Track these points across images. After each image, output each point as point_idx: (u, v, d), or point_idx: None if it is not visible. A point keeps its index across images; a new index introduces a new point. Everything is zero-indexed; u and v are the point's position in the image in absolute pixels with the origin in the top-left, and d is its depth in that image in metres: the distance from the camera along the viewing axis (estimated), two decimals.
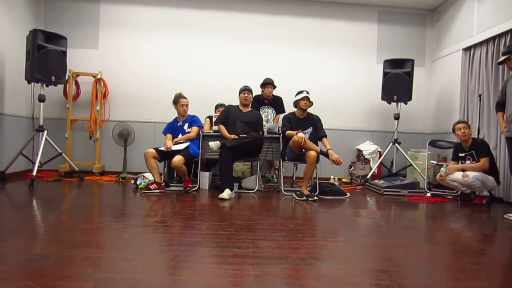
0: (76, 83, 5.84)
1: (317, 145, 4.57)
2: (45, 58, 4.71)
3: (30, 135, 5.16)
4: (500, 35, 4.78)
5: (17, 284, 1.69)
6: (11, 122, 5.23)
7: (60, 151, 5.10)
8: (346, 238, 2.83)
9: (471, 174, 4.28)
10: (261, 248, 2.37)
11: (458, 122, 4.59)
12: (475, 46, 5.33)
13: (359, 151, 6.25)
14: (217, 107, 5.53)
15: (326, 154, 4.45)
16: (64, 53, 4.97)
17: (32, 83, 4.94)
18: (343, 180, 6.11)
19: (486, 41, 5.05)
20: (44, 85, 4.89)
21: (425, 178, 5.32)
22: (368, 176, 5.75)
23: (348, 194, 4.67)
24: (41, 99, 4.86)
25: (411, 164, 5.72)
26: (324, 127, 4.81)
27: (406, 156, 5.77)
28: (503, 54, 3.85)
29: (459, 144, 4.68)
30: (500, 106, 4.05)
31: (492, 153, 4.55)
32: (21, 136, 5.32)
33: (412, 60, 5.69)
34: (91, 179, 5.37)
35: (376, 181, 5.44)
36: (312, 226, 3.19)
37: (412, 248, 2.59)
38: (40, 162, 4.76)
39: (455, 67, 5.75)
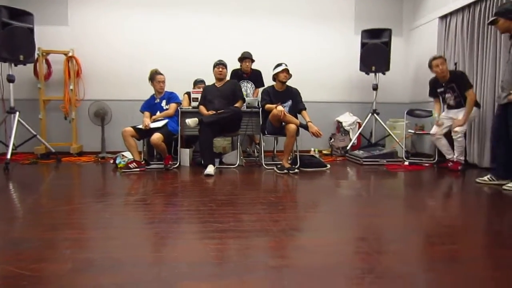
0: (47, 62, 5.62)
1: (296, 118, 4.58)
2: (11, 36, 4.51)
3: (1, 117, 4.98)
4: (475, 3, 4.80)
5: None
6: None
7: (35, 133, 4.96)
8: (326, 208, 2.88)
9: (460, 129, 4.38)
10: (242, 222, 2.39)
11: (434, 58, 4.53)
12: (451, 14, 5.35)
13: (339, 122, 6.31)
14: (195, 83, 5.45)
15: (305, 127, 4.46)
16: (31, 30, 4.76)
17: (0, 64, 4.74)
18: (324, 152, 6.18)
19: (462, 9, 5.08)
20: (12, 64, 4.70)
21: (403, 147, 5.42)
22: (348, 147, 5.83)
23: (328, 166, 4.74)
24: (10, 79, 4.68)
25: (389, 134, 5.82)
26: (303, 100, 4.80)
27: (385, 126, 5.86)
28: (495, 14, 3.60)
29: (435, 79, 4.66)
30: None
31: None
32: None
33: (390, 30, 5.68)
34: (69, 160, 5.27)
35: (356, 151, 5.53)
36: (293, 198, 3.23)
37: (390, 216, 2.66)
38: (14, 144, 4.62)
39: (432, 36, 5.78)
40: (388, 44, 5.67)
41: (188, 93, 5.17)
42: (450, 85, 4.49)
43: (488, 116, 4.57)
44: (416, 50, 6.35)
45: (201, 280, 1.55)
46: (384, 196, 3.30)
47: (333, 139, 6.25)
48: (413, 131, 5.68)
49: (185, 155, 4.84)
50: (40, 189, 3.49)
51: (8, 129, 4.86)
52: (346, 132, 6.18)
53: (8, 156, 4.40)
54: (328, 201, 3.12)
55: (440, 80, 4.56)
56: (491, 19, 3.60)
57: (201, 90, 4.92)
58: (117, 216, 2.56)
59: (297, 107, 4.71)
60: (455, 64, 5.14)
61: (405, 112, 5.54)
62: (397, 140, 5.63)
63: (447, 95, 4.57)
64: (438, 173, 4.49)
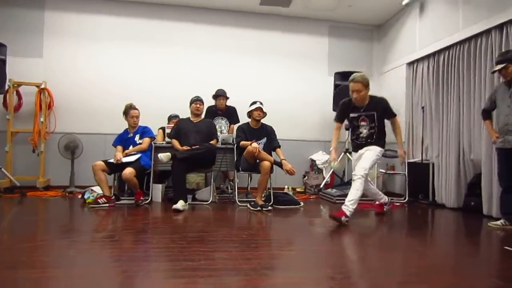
0: (18, 93, 5.50)
1: (271, 155, 4.62)
2: None
3: None
4: (439, 51, 5.13)
5: None
6: None
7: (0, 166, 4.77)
8: (299, 247, 2.85)
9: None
10: (213, 260, 2.33)
11: (352, 80, 3.79)
12: (417, 60, 5.67)
13: (313, 161, 6.39)
14: (170, 118, 5.44)
15: (280, 164, 4.50)
16: (3, 61, 4.71)
17: None
18: (297, 189, 6.20)
19: (427, 57, 5.40)
20: None
21: (374, 186, 5.51)
22: (321, 185, 5.88)
23: (302, 204, 4.74)
24: None
25: None
26: (278, 137, 4.87)
27: None
28: (498, 63, 3.51)
29: (350, 102, 3.90)
30: (487, 114, 3.80)
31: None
32: None
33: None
34: (35, 194, 5.04)
35: (329, 190, 5.58)
36: (266, 236, 3.20)
37: (363, 254, 2.66)
38: None
39: (401, 80, 6.08)
40: None
41: (163, 128, 5.15)
42: (370, 113, 3.84)
43: (453, 155, 4.73)
44: (387, 93, 6.60)
45: None
46: (356, 235, 3.31)
47: (306, 177, 6.30)
48: (384, 171, 5.81)
49: (157, 190, 4.74)
50: (0, 225, 3.30)
51: None
52: (320, 170, 6.25)
53: None
54: (301, 239, 3.09)
55: (357, 104, 3.85)
56: (499, 66, 3.49)
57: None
58: (83, 253, 2.44)
59: (272, 144, 4.76)
60: (423, 107, 5.39)
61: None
62: (369, 180, 5.71)
63: (361, 123, 3.89)
64: (410, 211, 4.57)
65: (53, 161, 5.60)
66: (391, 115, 4.00)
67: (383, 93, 6.68)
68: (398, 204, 5.06)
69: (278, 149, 4.74)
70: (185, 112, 5.05)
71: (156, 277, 2.03)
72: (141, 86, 5.97)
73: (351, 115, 3.95)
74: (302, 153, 6.46)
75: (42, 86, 5.47)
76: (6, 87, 5.04)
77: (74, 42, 5.87)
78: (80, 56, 5.88)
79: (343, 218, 3.48)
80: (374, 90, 6.72)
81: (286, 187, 5.97)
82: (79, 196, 4.79)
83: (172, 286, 1.87)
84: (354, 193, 3.60)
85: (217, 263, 2.27)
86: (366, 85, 3.77)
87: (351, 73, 5.96)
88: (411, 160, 5.54)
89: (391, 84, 6.48)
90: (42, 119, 5.41)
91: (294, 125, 6.51)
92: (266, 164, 4.37)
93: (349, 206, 3.56)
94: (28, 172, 5.49)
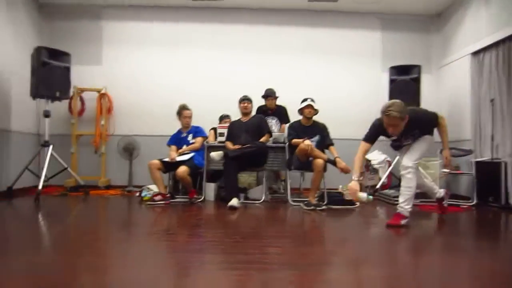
0: (81, 99, 5.85)
1: (324, 153, 4.47)
2: (49, 74, 4.73)
3: (37, 150, 5.14)
4: (510, 38, 4.67)
5: None
6: (18, 138, 5.22)
7: (66, 165, 5.06)
8: (356, 244, 2.70)
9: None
10: (268, 254, 2.26)
11: (386, 113, 3.13)
12: (484, 50, 5.21)
13: (368, 161, 6.12)
14: (221, 118, 5.49)
15: (333, 162, 4.34)
16: (68, 69, 5.00)
17: (37, 99, 4.96)
18: None
19: (496, 44, 4.93)
20: (49, 100, 4.89)
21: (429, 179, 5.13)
22: (378, 186, 5.60)
23: (358, 204, 4.54)
24: (46, 114, 4.86)
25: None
26: (330, 136, 4.72)
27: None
28: None
29: (382, 124, 3.28)
30: None
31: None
32: (28, 152, 5.29)
33: (419, 66, 5.59)
34: (97, 193, 5.31)
35: (386, 191, 5.30)
36: (321, 234, 3.08)
37: (425, 257, 2.46)
38: (46, 176, 4.71)
39: (464, 73, 5.65)
40: (417, 81, 5.56)
41: (214, 129, 5.21)
42: (411, 134, 3.36)
43: None
44: (448, 87, 6.21)
45: None
46: (417, 237, 3.08)
47: (361, 178, 6.04)
48: (447, 171, 5.41)
49: (210, 189, 4.78)
50: (67, 220, 3.49)
51: (42, 162, 4.98)
52: (375, 171, 5.97)
53: (40, 187, 4.47)
54: (357, 238, 2.94)
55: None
56: None
57: (227, 125, 4.94)
58: (139, 245, 2.48)
59: (325, 142, 4.61)
60: (492, 100, 4.94)
61: (438, 151, 5.30)
62: (430, 180, 5.35)
63: (404, 143, 3.47)
64: (479, 215, 4.19)
65: (113, 162, 5.87)
66: (433, 125, 3.43)
67: (444, 87, 6.29)
68: (465, 206, 4.67)
69: (331, 147, 4.58)
70: (236, 112, 5.07)
71: (210, 268, 2.00)
72: (193, 88, 6.08)
73: (392, 138, 3.50)
74: (356, 153, 6.19)
75: (103, 92, 5.76)
76: (71, 93, 5.36)
77: (129, 49, 6.14)
78: (135, 62, 6.14)
79: (402, 222, 3.19)
80: (432, 85, 6.39)
81: (340, 187, 5.75)
82: (137, 194, 4.97)
83: (227, 277, 1.82)
84: (406, 191, 3.22)
85: (272, 257, 2.20)
86: (403, 118, 3.11)
87: (408, 67, 5.71)
88: (479, 159, 5.09)
89: (452, 78, 6.05)
90: (102, 122, 5.70)
91: (346, 124, 6.27)
92: (319, 161, 4.24)
93: (404, 207, 3.21)
94: (91, 172, 5.80)
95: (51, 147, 4.83)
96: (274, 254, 2.26)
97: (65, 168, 5.05)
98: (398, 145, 3.59)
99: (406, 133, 3.31)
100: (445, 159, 3.56)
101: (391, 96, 5.67)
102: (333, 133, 4.88)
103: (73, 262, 2.05)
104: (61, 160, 4.99)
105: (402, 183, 3.30)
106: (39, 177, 4.70)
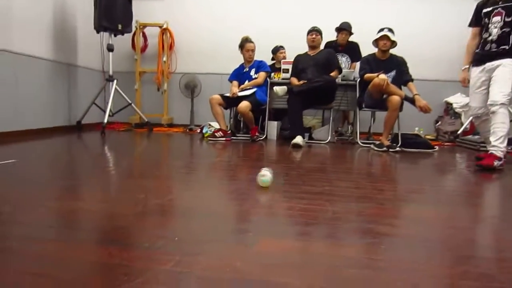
0: (143, 35, 5.78)
1: (400, 90, 3.98)
2: (111, 6, 4.65)
3: (102, 86, 5.21)
4: None
5: (69, 203, 1.53)
6: (85, 74, 5.33)
7: (130, 101, 5.09)
8: (438, 185, 2.33)
9: None
10: (339, 187, 1.99)
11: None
12: None
13: (448, 104, 5.46)
14: (275, 50, 5.10)
15: (412, 100, 3.84)
16: (130, 1, 4.90)
17: (101, 34, 4.94)
18: (428, 137, 5.39)
19: None
20: (112, 34, 4.86)
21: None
22: (459, 132, 4.99)
23: (436, 148, 4.06)
24: (110, 48, 4.84)
25: None
26: None
27: (510, 110, 4.88)
28: None
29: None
30: None
31: None
32: (93, 88, 5.40)
33: None
34: (160, 130, 5.34)
35: (469, 137, 4.70)
36: (396, 173, 2.72)
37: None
38: (111, 111, 4.78)
39: None
40: None
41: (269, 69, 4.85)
42: (510, 4, 2.77)
43: None
44: None
45: (288, 239, 1.21)
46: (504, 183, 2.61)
47: (439, 122, 5.43)
48: None
49: (272, 128, 4.55)
50: (129, 150, 3.49)
51: (107, 97, 5.06)
52: (457, 115, 5.32)
53: (105, 121, 4.56)
54: (439, 180, 2.55)
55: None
56: None
57: (292, 61, 4.57)
58: (197, 172, 2.35)
59: (402, 78, 4.08)
60: None
61: None
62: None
63: (493, 19, 2.83)
64: None
65: (175, 100, 5.84)
66: None
67: None
68: None
69: (410, 83, 4.04)
70: (303, 50, 4.64)
71: (274, 197, 1.78)
72: (257, 23, 5.69)
73: (484, 10, 2.93)
74: (436, 95, 5.54)
75: (164, 27, 5.61)
76: (133, 28, 5.28)
77: None
78: None
79: (495, 163, 2.73)
80: None
81: (416, 129, 5.21)
82: (198, 131, 4.91)
83: (293, 206, 1.59)
84: (500, 127, 2.76)
85: (344, 190, 1.93)
86: None
87: None
88: None
89: None
90: (164, 59, 5.60)
91: (425, 63, 5.56)
92: (395, 98, 3.77)
93: (499, 146, 2.75)
94: (153, 110, 5.84)
95: (115, 81, 4.85)
96: (345, 188, 1.99)
97: (129, 104, 5.08)
98: (480, 55, 2.98)
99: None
100: None
101: None
102: (411, 73, 4.29)
103: (129, 182, 1.96)
104: (125, 96, 5.02)
105: (494, 120, 2.80)
106: (104, 111, 4.78)
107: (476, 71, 3.02)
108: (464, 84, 3.24)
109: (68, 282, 0.85)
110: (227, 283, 0.87)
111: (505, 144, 2.77)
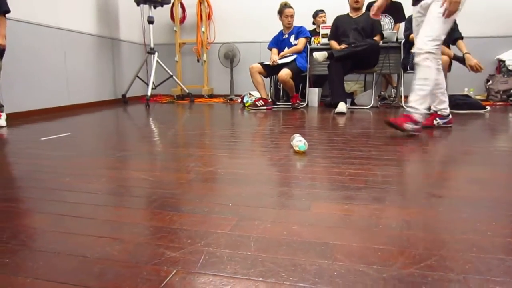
0: (182, 6, 5.79)
1: (449, 49, 3.77)
2: None
3: (144, 60, 5.33)
4: None
5: (125, 172, 1.64)
6: (127, 47, 5.47)
7: (171, 73, 5.20)
8: (492, 146, 2.24)
9: None
10: (388, 152, 1.97)
11: None
12: None
13: (501, 61, 5.12)
14: (315, 14, 4.95)
15: (462, 59, 3.65)
16: None
17: (141, 6, 5.01)
18: (478, 97, 5.12)
19: None
20: (152, 6, 4.92)
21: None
22: None
23: (488, 108, 3.86)
24: (150, 20, 4.92)
25: None
26: None
27: None
28: None
29: None
30: None
31: None
32: (136, 61, 5.55)
33: None
34: (201, 101, 5.44)
35: None
36: (448, 136, 2.63)
37: None
38: (153, 83, 4.91)
39: None
40: None
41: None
42: None
43: None
44: None
45: (341, 203, 1.23)
46: None
47: (491, 82, 5.12)
48: None
49: (313, 95, 4.50)
50: (174, 121, 3.60)
51: (149, 70, 5.19)
52: (510, 73, 4.99)
53: (149, 93, 4.70)
54: (493, 140, 2.44)
55: None
56: None
57: (326, 24, 4.43)
58: (243, 141, 2.40)
59: (451, 36, 3.85)
60: None
61: None
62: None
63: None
64: None
65: (215, 70, 5.88)
66: None
67: None
68: None
69: (459, 41, 3.82)
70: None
71: (321, 162, 1.79)
72: None
73: None
74: (486, 53, 5.20)
75: None
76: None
77: None
78: None
79: (408, 126, 2.38)
80: None
81: (466, 89, 4.96)
82: (239, 100, 4.95)
83: (341, 171, 1.61)
84: (421, 84, 2.38)
85: (392, 154, 1.91)
86: None
87: None
88: None
89: None
90: (203, 29, 5.61)
91: (472, 17, 5.18)
92: (444, 58, 3.56)
93: (417, 107, 2.38)
94: (194, 81, 5.93)
95: (156, 54, 4.95)
96: (392, 152, 1.96)
97: (171, 76, 5.19)
98: None
99: None
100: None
101: None
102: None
103: (179, 152, 2.05)
104: (166, 68, 5.12)
105: (417, 73, 2.43)
106: (147, 84, 4.92)
107: (414, 11, 2.64)
108: None
109: (138, 245, 0.93)
110: (286, 245, 0.91)
111: (426, 105, 2.40)
